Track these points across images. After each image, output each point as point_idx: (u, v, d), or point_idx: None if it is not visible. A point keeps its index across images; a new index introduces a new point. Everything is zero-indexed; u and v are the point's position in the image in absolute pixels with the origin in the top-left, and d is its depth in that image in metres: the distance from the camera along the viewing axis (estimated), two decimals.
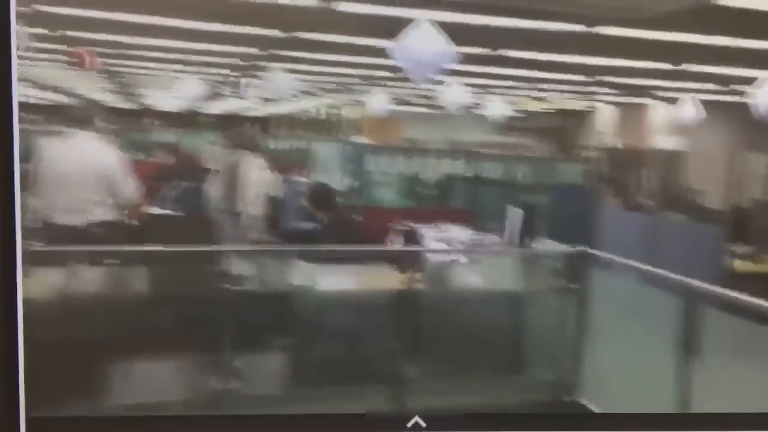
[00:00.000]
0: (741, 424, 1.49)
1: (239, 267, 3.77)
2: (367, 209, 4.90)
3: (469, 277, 3.95)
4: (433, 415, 1.38)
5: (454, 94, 6.59)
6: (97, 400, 3.07)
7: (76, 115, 4.25)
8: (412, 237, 4.31)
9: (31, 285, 3.32)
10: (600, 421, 1.58)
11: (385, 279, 3.74)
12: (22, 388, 1.27)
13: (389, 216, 4.59)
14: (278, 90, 6.84)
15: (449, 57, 4.50)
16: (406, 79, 4.63)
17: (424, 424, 1.38)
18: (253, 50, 6.36)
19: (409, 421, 1.39)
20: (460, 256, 4.07)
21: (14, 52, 1.15)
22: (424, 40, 4.22)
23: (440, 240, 4.29)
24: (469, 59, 5.90)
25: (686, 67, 6.07)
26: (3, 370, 1.21)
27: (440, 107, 7.56)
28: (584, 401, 3.59)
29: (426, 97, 9.30)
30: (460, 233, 4.38)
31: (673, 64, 5.77)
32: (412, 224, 4.40)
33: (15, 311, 1.23)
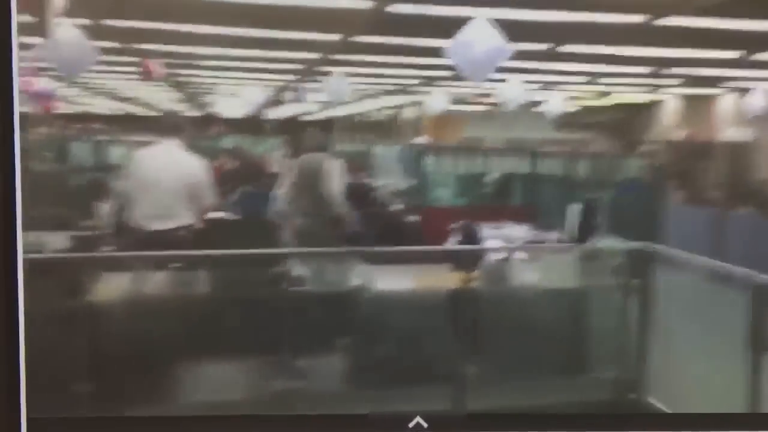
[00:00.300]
0: None
1: (301, 269, 3.83)
2: (425, 209, 4.91)
3: (528, 275, 3.91)
4: (435, 416, 1.38)
5: (513, 91, 6.52)
6: (164, 399, 3.17)
7: (158, 125, 4.48)
8: (470, 236, 4.29)
9: (101, 289, 3.44)
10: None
11: (444, 278, 3.75)
12: (23, 388, 1.30)
13: (447, 215, 4.58)
14: (337, 93, 6.92)
15: (505, 54, 4.47)
16: (463, 79, 4.62)
17: (425, 425, 1.38)
18: (312, 55, 6.45)
19: (410, 421, 1.39)
20: (518, 253, 4.03)
21: (15, 61, 1.20)
22: (478, 38, 4.20)
23: (498, 238, 4.26)
24: (528, 55, 5.83)
25: (757, 56, 5.84)
26: (5, 371, 1.23)
27: (499, 105, 7.49)
28: (651, 399, 3.51)
29: (485, 95, 9.22)
30: (518, 231, 4.34)
31: (742, 52, 5.57)
32: (470, 223, 4.38)
33: (17, 312, 1.27)
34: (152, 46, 6.42)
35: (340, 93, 7.02)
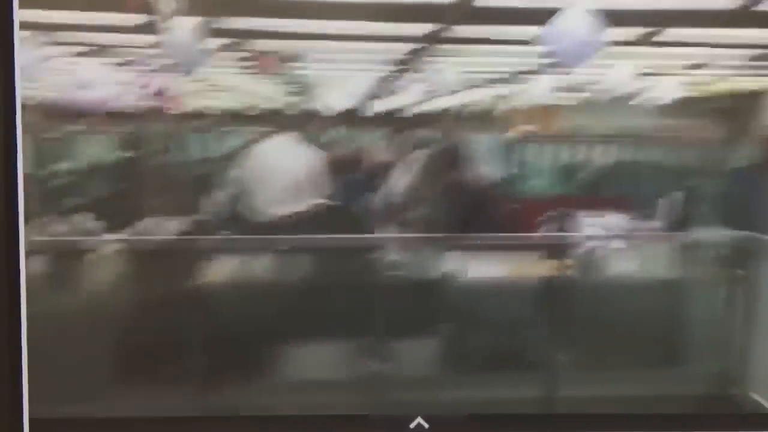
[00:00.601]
0: None
1: (399, 255, 3.96)
2: (521, 199, 4.92)
3: (625, 265, 3.87)
4: (436, 417, 1.39)
5: (617, 78, 6.37)
6: (265, 376, 3.38)
7: (275, 118, 4.81)
8: (565, 224, 4.27)
9: (212, 271, 3.70)
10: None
11: (536, 267, 3.77)
12: (25, 387, 1.27)
13: (544, 205, 4.58)
14: (440, 85, 6.99)
15: (603, 40, 4.40)
16: (563, 67, 4.59)
17: (426, 425, 1.38)
18: (413, 46, 6.56)
19: (411, 422, 1.39)
20: (615, 242, 3.99)
21: (17, 56, 1.23)
22: (574, 24, 4.17)
23: (594, 227, 4.22)
24: (631, 40, 5.68)
25: None
26: (7, 371, 1.18)
27: (602, 92, 7.31)
28: (756, 396, 3.41)
29: (586, 83, 9.00)
30: (616, 220, 4.28)
31: None
32: (566, 212, 4.36)
33: (18, 311, 1.21)
34: (263, 41, 6.73)
35: (441, 84, 7.09)
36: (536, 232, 4.32)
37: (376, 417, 1.32)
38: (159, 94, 7.83)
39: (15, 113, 1.10)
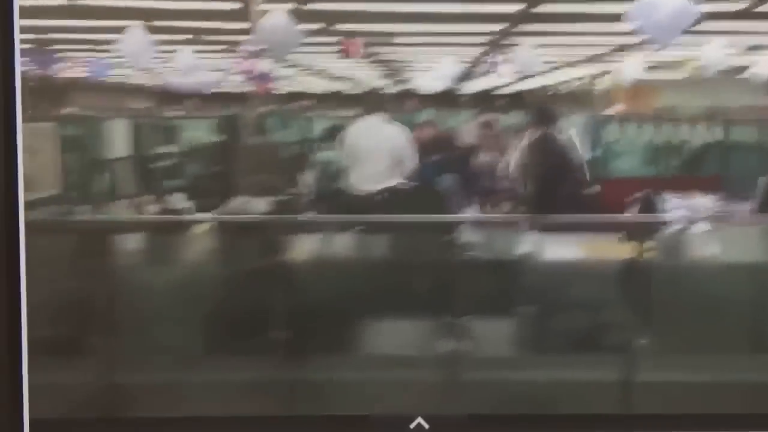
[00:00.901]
0: None
1: (478, 236, 3.98)
2: (609, 179, 4.83)
3: (713, 248, 3.75)
4: (436, 417, 1.34)
5: (712, 54, 6.09)
6: (344, 350, 3.50)
7: (360, 100, 5.03)
8: (652, 206, 4.17)
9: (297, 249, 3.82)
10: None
11: (619, 249, 3.71)
12: (25, 388, 1.22)
13: (631, 185, 4.48)
14: (528, 65, 6.90)
15: (694, 15, 4.23)
16: (654, 43, 4.44)
17: (426, 426, 1.34)
18: (501, 26, 6.50)
19: (411, 422, 1.35)
20: (702, 225, 3.87)
21: (17, 50, 1.09)
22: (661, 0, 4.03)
23: (682, 208, 4.10)
24: (728, 15, 5.42)
25: None
26: (7, 371, 1.14)
27: (698, 70, 6.99)
28: None
29: (680, 61, 8.60)
30: (704, 201, 4.13)
31: None
32: (653, 192, 4.25)
33: (19, 312, 1.16)
34: (351, 25, 6.84)
35: (529, 65, 7.00)
36: (626, 212, 4.23)
37: (376, 416, 1.30)
38: (256, 77, 8.10)
39: (15, 101, 1.04)
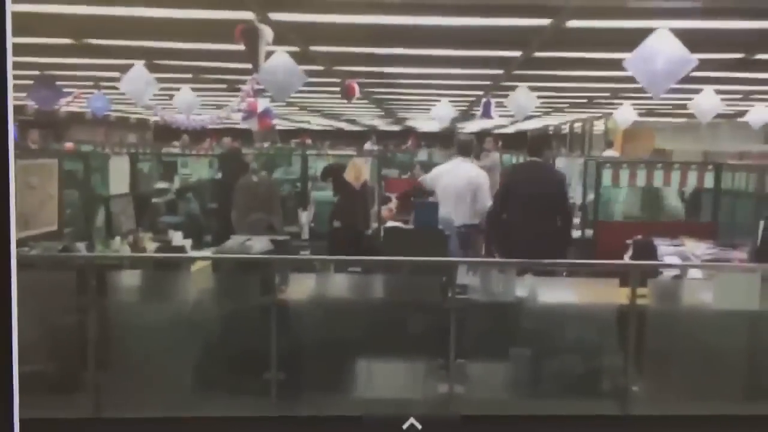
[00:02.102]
0: None
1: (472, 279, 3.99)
2: (600, 223, 4.85)
3: (705, 295, 3.76)
4: (428, 418, 1.33)
5: (706, 102, 6.19)
6: (337, 393, 3.48)
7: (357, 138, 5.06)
8: (645, 251, 4.19)
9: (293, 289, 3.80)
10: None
11: (613, 293, 3.72)
12: (16, 388, 1.22)
13: (623, 230, 4.50)
14: (522, 108, 7.00)
15: (688, 65, 4.31)
16: (649, 91, 4.52)
17: (419, 426, 1.33)
18: (497, 71, 6.61)
19: (404, 423, 1.34)
20: (695, 272, 3.89)
21: (9, 66, 1.09)
22: (659, 49, 4.11)
23: (674, 255, 4.12)
24: (723, 65, 5.52)
25: None
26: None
27: (691, 116, 7.07)
28: None
29: (675, 106, 8.73)
30: (696, 247, 4.16)
31: None
32: (645, 238, 4.28)
33: (9, 312, 1.17)
34: (352, 67, 6.96)
35: (524, 108, 7.09)
36: (613, 257, 4.25)
37: (369, 418, 1.30)
38: (256, 116, 8.16)
39: (7, 128, 1.06)
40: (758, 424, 1.48)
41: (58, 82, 6.92)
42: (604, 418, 1.36)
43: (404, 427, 1.34)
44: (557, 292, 3.86)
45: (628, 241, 4.32)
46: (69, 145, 8.59)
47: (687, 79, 4.50)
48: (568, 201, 4.74)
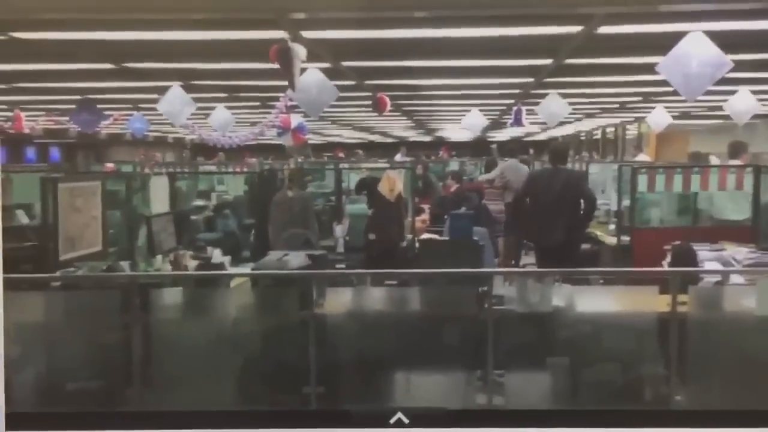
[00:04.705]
0: None
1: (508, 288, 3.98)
2: (637, 230, 4.80)
3: (746, 301, 3.70)
4: (416, 412, 1.33)
5: (742, 103, 6.09)
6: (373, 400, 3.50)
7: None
8: (684, 257, 4.14)
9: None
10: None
11: (653, 301, 3.69)
12: (2, 384, 1.23)
13: (661, 236, 4.46)
14: (554, 115, 6.96)
15: (723, 68, 4.25)
16: (683, 95, 4.47)
17: (406, 421, 1.32)
18: (528, 80, 6.60)
19: (391, 417, 1.33)
20: (736, 276, 3.83)
21: None
22: (692, 52, 4.06)
23: (714, 260, 4.07)
24: (758, 65, 5.44)
25: None
26: None
27: (726, 118, 6.94)
28: None
29: (712, 108, 8.57)
30: (737, 252, 4.10)
31: None
32: (684, 244, 4.23)
33: None
34: (383, 81, 7.02)
35: (556, 114, 7.06)
36: (651, 264, 4.21)
37: (357, 412, 1.29)
38: (289, 131, 8.24)
39: None
40: None
41: (98, 105, 7.10)
42: (597, 413, 1.35)
43: (391, 421, 1.34)
44: (596, 301, 3.84)
45: (666, 247, 4.28)
46: (110, 165, 8.78)
47: (722, 81, 4.45)
48: (590, 192, 5.34)
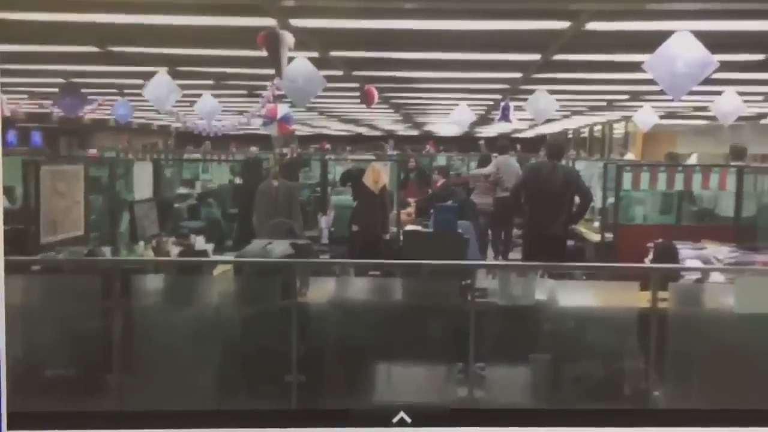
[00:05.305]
0: None
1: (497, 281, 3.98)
2: (621, 226, 4.84)
3: (724, 298, 3.74)
4: (418, 411, 1.32)
5: (728, 104, 6.13)
6: (356, 394, 3.50)
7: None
8: (665, 254, 4.17)
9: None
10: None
11: (632, 296, 3.71)
12: (3, 384, 1.31)
13: (644, 234, 4.49)
14: (542, 111, 6.98)
15: (709, 67, 4.28)
16: (669, 93, 4.49)
17: (409, 420, 1.32)
18: (516, 75, 6.60)
19: (394, 416, 1.33)
20: (715, 274, 3.86)
21: None
22: (679, 52, 4.08)
23: (695, 258, 4.10)
24: (745, 66, 5.47)
25: None
26: None
27: (712, 118, 6.99)
28: None
29: (697, 108, 8.63)
30: (717, 251, 4.13)
31: None
32: (665, 241, 4.26)
33: None
34: (372, 72, 6.99)
35: (544, 111, 7.08)
36: (634, 261, 4.24)
37: (360, 411, 1.27)
38: (275, 121, 8.20)
39: None
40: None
41: (82, 90, 7.03)
42: (591, 412, 1.35)
43: (394, 420, 1.34)
44: (580, 296, 3.86)
45: (648, 245, 4.31)
46: (93, 151, 8.71)
47: (708, 81, 4.47)
48: (586, 187, 5.46)
